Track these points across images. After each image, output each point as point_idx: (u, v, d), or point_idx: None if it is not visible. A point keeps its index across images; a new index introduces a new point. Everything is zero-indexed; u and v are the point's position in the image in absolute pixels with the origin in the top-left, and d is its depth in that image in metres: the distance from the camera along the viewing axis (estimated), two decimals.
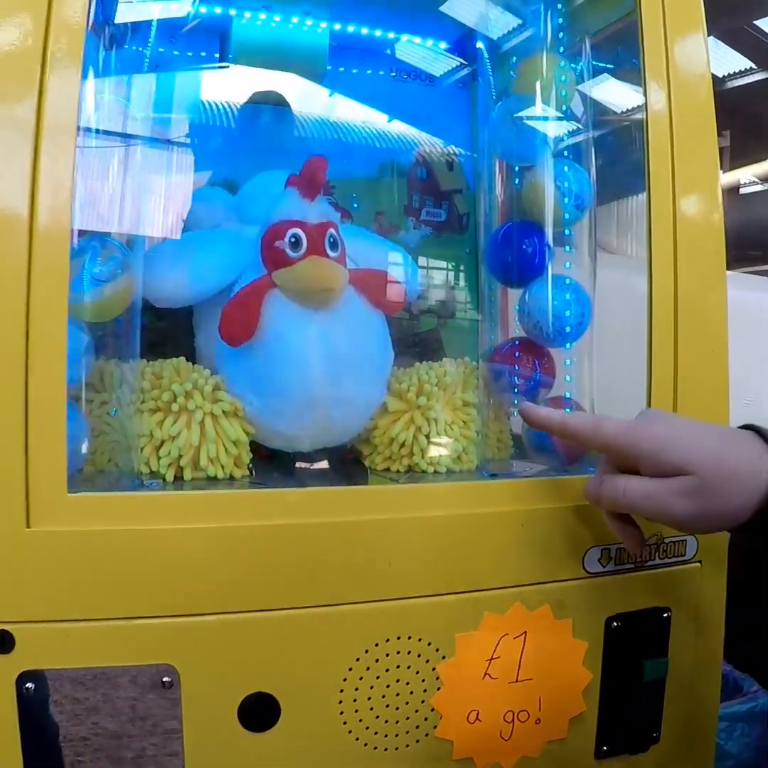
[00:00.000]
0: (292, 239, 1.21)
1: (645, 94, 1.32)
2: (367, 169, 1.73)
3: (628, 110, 1.49)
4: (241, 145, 1.60)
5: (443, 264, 1.74)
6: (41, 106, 1.00)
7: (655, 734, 1.32)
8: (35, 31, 1.01)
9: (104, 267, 1.16)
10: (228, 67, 1.59)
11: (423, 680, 1.16)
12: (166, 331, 1.38)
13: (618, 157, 1.51)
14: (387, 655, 1.14)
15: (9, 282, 0.98)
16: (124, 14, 1.28)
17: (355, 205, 1.64)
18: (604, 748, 1.28)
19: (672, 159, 1.30)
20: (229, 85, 1.63)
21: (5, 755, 1.02)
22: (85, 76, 1.05)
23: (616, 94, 1.54)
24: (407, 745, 1.18)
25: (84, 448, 1.15)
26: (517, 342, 1.43)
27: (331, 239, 1.23)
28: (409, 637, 1.15)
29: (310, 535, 1.10)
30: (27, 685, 1.01)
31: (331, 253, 1.22)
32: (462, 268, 1.75)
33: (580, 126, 1.45)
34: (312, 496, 1.15)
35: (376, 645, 1.13)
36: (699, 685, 1.34)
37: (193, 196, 1.49)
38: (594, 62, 1.47)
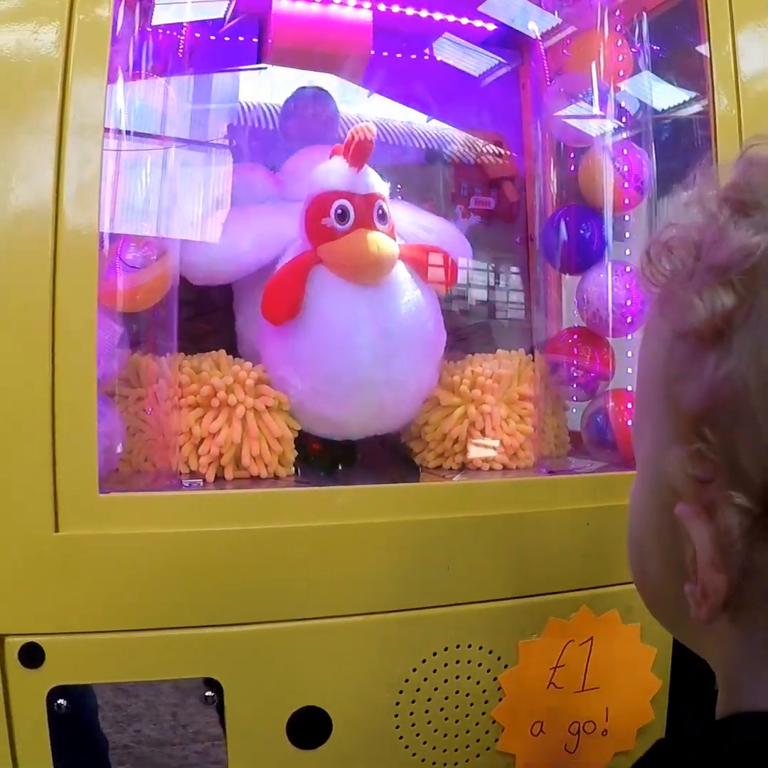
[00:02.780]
0: (339, 211, 1.15)
1: (712, 90, 1.26)
2: (414, 156, 1.67)
3: (687, 102, 1.42)
4: (284, 130, 1.53)
5: (493, 252, 1.67)
6: (65, 108, 0.95)
7: None
8: None
9: (138, 253, 1.10)
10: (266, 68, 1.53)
11: (484, 691, 1.11)
12: (205, 322, 1.32)
13: (675, 147, 1.44)
14: (445, 665, 1.08)
15: (33, 272, 0.93)
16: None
17: (401, 195, 1.58)
18: None
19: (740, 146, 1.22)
20: (272, 75, 1.57)
21: None
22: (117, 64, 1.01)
23: (672, 90, 1.47)
24: (467, 760, 1.12)
25: (119, 448, 1.08)
26: (574, 332, 1.36)
27: (380, 211, 1.17)
28: (469, 646, 1.09)
29: (361, 538, 1.05)
30: (59, 702, 0.96)
31: (379, 226, 1.16)
32: (512, 256, 1.68)
33: (639, 108, 1.37)
34: (361, 494, 1.10)
35: (434, 654, 1.08)
36: None
37: (233, 175, 1.42)
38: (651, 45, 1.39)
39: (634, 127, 1.37)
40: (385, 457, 1.30)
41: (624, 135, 1.36)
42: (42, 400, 0.92)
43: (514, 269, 1.68)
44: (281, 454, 1.16)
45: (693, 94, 1.36)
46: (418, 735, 1.08)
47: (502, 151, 1.69)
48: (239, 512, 1.02)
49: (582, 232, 1.34)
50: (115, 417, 1.07)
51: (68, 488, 0.94)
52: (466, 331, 1.57)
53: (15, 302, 0.92)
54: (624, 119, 1.37)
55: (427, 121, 1.66)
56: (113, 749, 1.01)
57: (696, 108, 1.33)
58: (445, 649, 1.07)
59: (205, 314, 1.32)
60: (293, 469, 1.18)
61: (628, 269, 1.31)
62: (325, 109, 1.49)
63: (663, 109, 1.45)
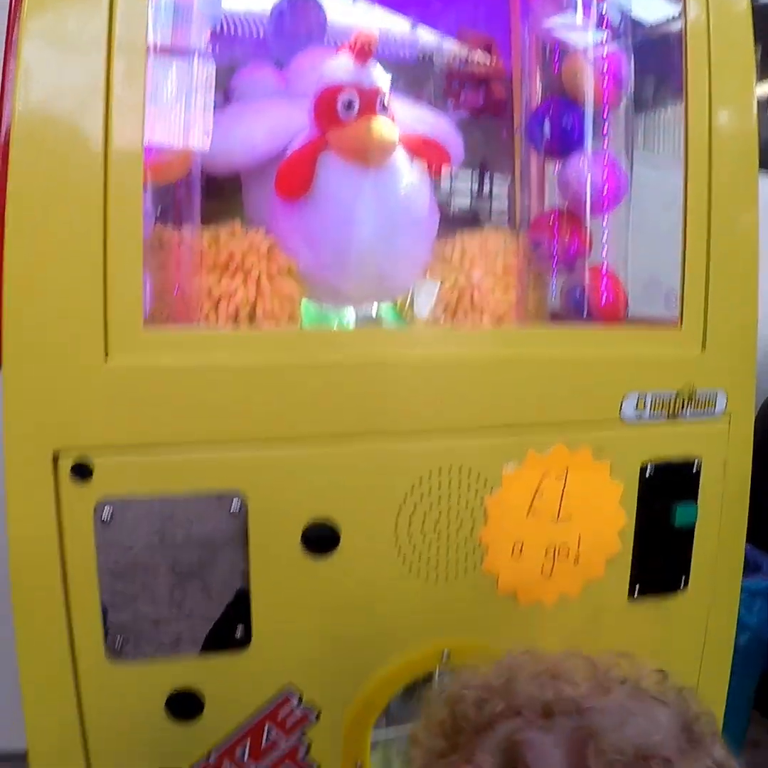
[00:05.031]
0: (345, 101, 1.26)
1: (684, 5, 1.34)
2: (407, 53, 1.77)
3: (663, 20, 1.53)
4: (284, 29, 1.63)
5: (481, 147, 1.77)
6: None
7: (684, 579, 1.40)
8: None
9: (166, 133, 1.21)
10: None
11: (472, 512, 1.24)
12: (219, 200, 1.43)
13: (654, 64, 1.55)
14: (439, 485, 1.22)
15: (88, 144, 1.05)
16: None
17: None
18: (637, 589, 1.36)
19: (709, 69, 1.33)
20: None
21: (83, 580, 1.11)
22: None
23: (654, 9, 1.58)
24: (456, 576, 1.26)
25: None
26: (556, 213, 1.49)
27: (382, 103, 1.28)
28: (460, 469, 1.22)
29: (368, 370, 1.18)
30: (105, 512, 1.09)
31: (382, 115, 1.27)
32: (499, 147, 1.78)
33: (621, 20, 1.48)
34: (369, 333, 1.26)
35: (429, 475, 1.21)
36: (725, 534, 1.42)
37: (241, 72, 1.54)
38: None
39: (616, 38, 1.48)
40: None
41: (604, 40, 1.46)
42: (96, 247, 1.05)
43: (500, 159, 1.77)
44: (291, 312, 1.27)
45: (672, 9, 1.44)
46: (414, 549, 1.22)
47: (492, 50, 1.79)
48: (264, 347, 1.16)
49: (564, 121, 1.46)
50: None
51: (117, 323, 1.07)
52: (456, 212, 1.69)
53: (73, 167, 1.04)
54: (606, 28, 1.47)
55: (418, 25, 1.73)
56: (112, 626, 1.13)
57: (675, 25, 1.40)
58: (439, 471, 1.21)
59: (218, 191, 1.43)
60: (300, 327, 1.30)
61: (605, 156, 1.43)
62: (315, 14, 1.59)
63: (645, 23, 1.55)
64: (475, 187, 1.74)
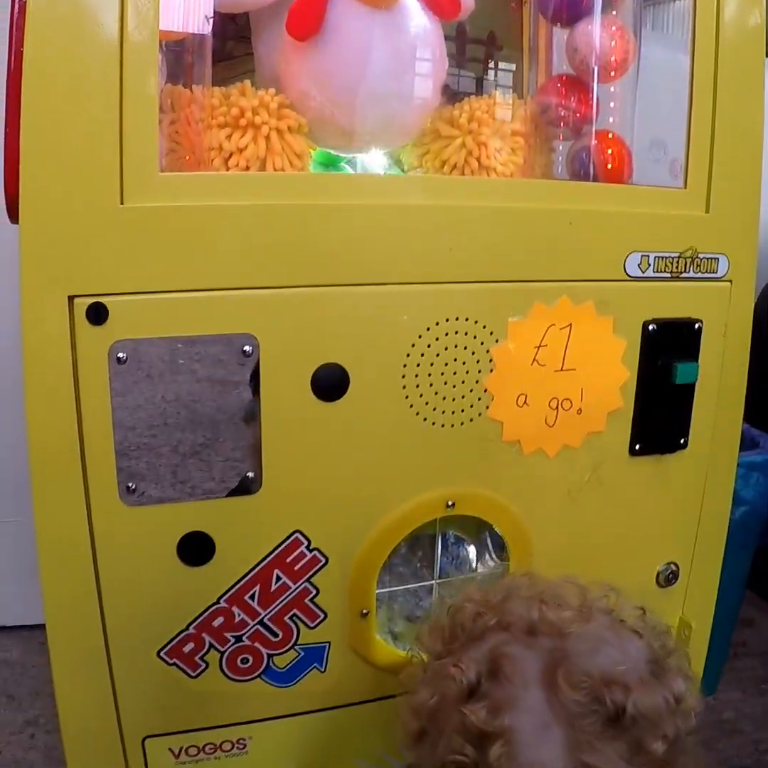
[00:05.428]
0: None
1: None
2: None
3: None
4: None
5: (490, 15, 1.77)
6: None
7: (683, 440, 1.43)
8: None
9: None
10: None
11: (478, 361, 1.27)
12: (230, 63, 1.45)
13: None
14: (446, 334, 1.24)
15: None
16: None
17: None
18: (638, 446, 1.40)
19: None
20: None
21: (98, 423, 1.15)
22: None
23: None
24: (462, 423, 1.29)
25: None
26: (563, 78, 1.50)
27: None
28: (466, 319, 1.25)
29: (377, 216, 1.19)
30: (119, 354, 1.12)
31: None
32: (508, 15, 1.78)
33: None
34: (379, 180, 1.28)
35: (437, 324, 1.24)
36: (725, 397, 1.45)
37: None
38: None
39: None
40: None
41: None
42: (111, 93, 1.07)
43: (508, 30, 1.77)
44: (300, 169, 1.28)
45: None
46: (421, 396, 1.25)
47: None
48: (275, 190, 1.17)
49: None
50: None
51: (132, 168, 1.08)
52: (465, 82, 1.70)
53: (89, 19, 1.05)
54: None
55: None
56: (126, 469, 1.16)
57: None
58: (446, 319, 1.23)
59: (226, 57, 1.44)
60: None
61: (613, 23, 1.43)
62: None
63: None
64: (484, 58, 1.73)
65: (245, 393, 1.16)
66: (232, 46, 1.47)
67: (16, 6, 1.09)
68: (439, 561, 1.42)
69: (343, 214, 1.17)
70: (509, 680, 0.84)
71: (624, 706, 0.80)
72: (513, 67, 1.78)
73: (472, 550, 1.46)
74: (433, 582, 1.43)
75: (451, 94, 1.45)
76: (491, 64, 1.77)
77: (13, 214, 1.10)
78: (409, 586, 1.41)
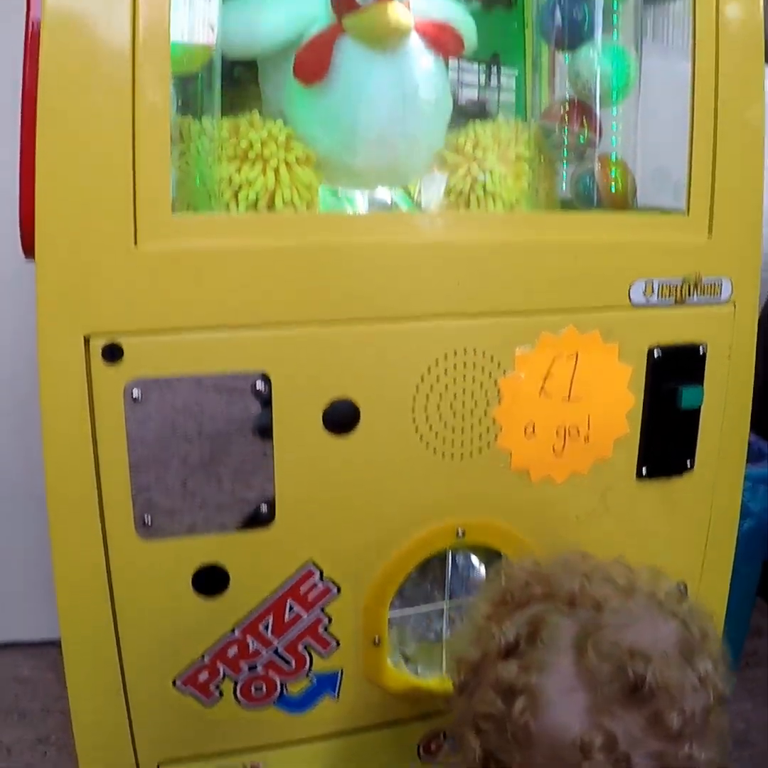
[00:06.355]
0: None
1: None
2: None
3: None
4: None
5: (493, 39, 1.78)
6: None
7: (689, 462, 1.44)
8: None
9: (186, 23, 1.23)
10: None
11: (486, 392, 1.28)
12: (238, 90, 1.46)
13: None
14: (454, 366, 1.26)
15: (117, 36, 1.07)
16: None
17: None
18: (644, 470, 1.41)
19: None
20: None
21: (114, 460, 1.16)
22: None
23: None
24: (471, 454, 1.30)
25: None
26: (566, 102, 1.51)
27: None
28: (475, 351, 1.26)
29: (386, 253, 1.21)
30: (135, 393, 1.13)
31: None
32: (511, 40, 1.79)
33: None
34: (387, 217, 1.29)
35: (445, 357, 1.25)
36: (730, 418, 1.46)
37: None
38: None
39: None
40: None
41: None
42: (125, 137, 1.08)
43: (511, 53, 1.78)
44: (309, 200, 1.30)
45: None
46: (431, 428, 1.26)
47: None
48: (289, 229, 1.20)
49: (575, 13, 1.47)
50: None
51: (146, 210, 1.10)
52: (469, 105, 1.71)
53: (104, 56, 1.07)
54: None
55: None
56: (143, 504, 1.18)
57: None
58: (455, 352, 1.25)
59: (236, 78, 1.45)
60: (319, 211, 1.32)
61: (615, 46, 1.45)
62: None
63: None
64: (487, 78, 1.74)
65: (258, 428, 1.17)
66: (240, 71, 1.48)
67: (28, 41, 1.10)
68: (449, 583, 1.42)
69: (352, 252, 1.19)
70: (544, 644, 0.90)
71: (644, 676, 0.83)
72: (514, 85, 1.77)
73: (482, 571, 1.46)
74: (444, 604, 1.42)
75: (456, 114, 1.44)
76: (494, 85, 1.77)
77: (28, 251, 1.12)
78: (420, 608, 1.41)
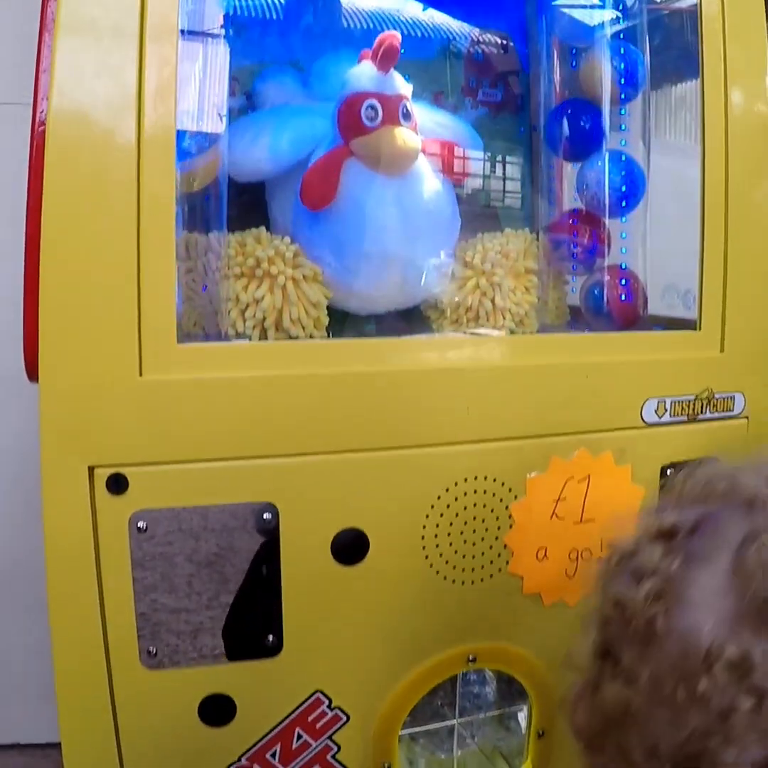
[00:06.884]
0: (369, 110, 1.28)
1: None
2: (425, 51, 1.78)
3: None
4: (302, 28, 1.64)
5: (500, 142, 1.79)
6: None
7: None
8: None
9: (193, 140, 1.24)
10: None
11: (497, 518, 1.26)
12: (245, 206, 1.45)
13: (667, 43, 1.56)
14: (465, 493, 1.24)
15: (122, 159, 1.07)
16: None
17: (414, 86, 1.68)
18: None
19: (724, 45, 1.35)
20: None
21: (118, 589, 1.13)
22: None
23: None
24: (482, 580, 1.28)
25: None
26: (575, 214, 1.50)
27: (405, 110, 1.30)
28: (485, 478, 1.24)
29: (397, 381, 1.20)
30: (140, 523, 1.11)
31: (404, 123, 1.29)
32: (517, 147, 1.79)
33: (634, 9, 1.50)
34: (398, 345, 1.26)
35: (456, 484, 1.23)
36: None
37: (263, 76, 1.55)
38: None
39: (631, 19, 1.49)
40: (405, 326, 1.42)
41: (621, 26, 1.48)
42: (129, 267, 1.07)
43: (519, 158, 1.78)
44: (316, 318, 1.29)
45: None
46: (441, 555, 1.24)
47: (509, 47, 1.80)
48: (295, 358, 1.18)
49: (582, 123, 1.48)
50: None
51: (151, 340, 1.09)
52: (477, 213, 1.70)
53: (108, 184, 1.06)
54: (621, 8, 1.49)
55: (439, 16, 1.75)
56: (147, 635, 1.16)
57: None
58: (465, 479, 1.23)
59: (243, 195, 1.45)
60: (326, 332, 1.31)
61: (623, 157, 1.44)
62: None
63: (654, 6, 1.56)
64: (495, 185, 1.74)
65: (265, 559, 1.15)
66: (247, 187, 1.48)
67: (33, 160, 1.10)
68: (460, 700, 1.39)
69: (359, 381, 1.18)
70: (704, 537, 0.79)
71: None
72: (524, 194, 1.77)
73: (493, 687, 1.43)
74: (455, 721, 1.40)
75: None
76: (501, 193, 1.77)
77: (32, 376, 1.11)
78: (430, 726, 1.39)
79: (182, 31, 1.12)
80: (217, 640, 1.18)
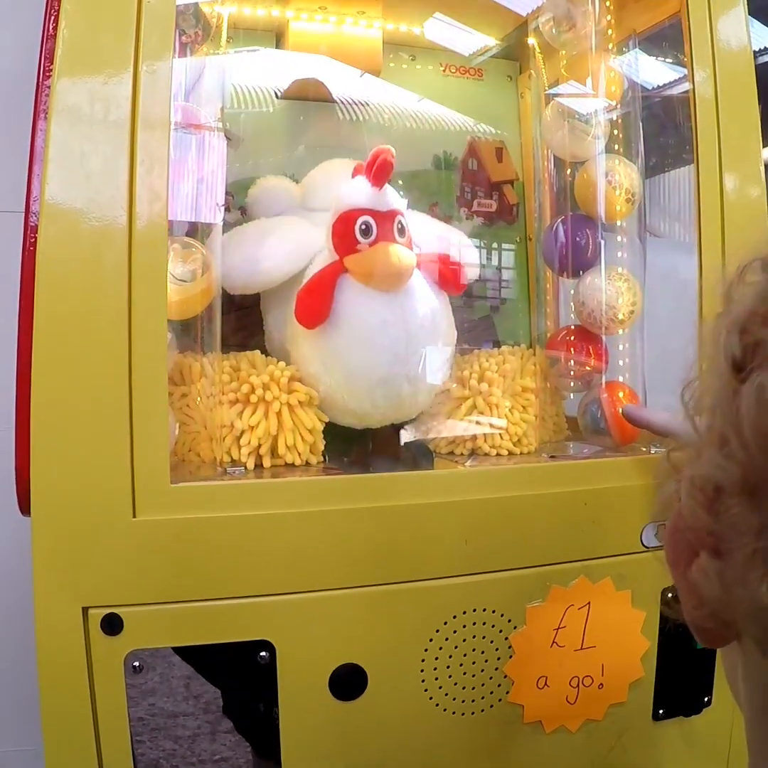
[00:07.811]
0: (363, 226, 1.27)
1: (691, 70, 1.39)
2: (420, 161, 1.80)
3: (671, 83, 1.55)
4: (296, 140, 1.66)
5: (495, 252, 1.79)
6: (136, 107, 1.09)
7: (707, 699, 1.40)
8: None
9: (186, 268, 1.24)
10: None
11: (497, 649, 1.25)
12: (239, 323, 1.46)
13: (661, 132, 1.57)
14: (464, 626, 1.22)
15: (112, 284, 1.08)
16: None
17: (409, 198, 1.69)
18: (661, 711, 1.37)
19: (718, 133, 1.38)
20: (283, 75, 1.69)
21: (115, 731, 1.12)
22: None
23: (660, 74, 1.60)
24: (482, 710, 1.26)
25: (171, 441, 1.21)
26: (571, 330, 1.51)
27: (399, 226, 1.29)
28: (484, 609, 1.23)
29: (394, 517, 1.19)
30: (135, 663, 1.10)
31: (399, 239, 1.28)
32: (513, 255, 1.80)
33: (630, 116, 1.51)
34: (393, 480, 1.25)
35: (454, 617, 1.22)
36: None
37: (257, 186, 1.57)
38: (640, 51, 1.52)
39: (625, 139, 1.50)
40: (401, 443, 1.42)
41: (616, 148, 1.48)
42: (121, 409, 1.08)
43: (515, 268, 1.79)
44: (312, 443, 1.29)
45: (680, 72, 1.47)
46: (440, 688, 1.23)
47: (503, 155, 1.81)
48: (290, 497, 1.17)
49: (578, 239, 1.48)
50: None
51: (144, 481, 1.08)
52: (472, 324, 1.71)
53: (96, 320, 1.08)
54: (615, 131, 1.49)
55: (433, 126, 1.76)
56: (129, 722, 1.13)
57: (683, 86, 1.43)
58: (464, 612, 1.22)
59: (235, 314, 1.45)
60: (322, 456, 1.31)
61: (620, 270, 1.45)
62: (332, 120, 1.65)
63: (652, 88, 1.59)
64: (492, 294, 1.75)
65: (262, 696, 1.14)
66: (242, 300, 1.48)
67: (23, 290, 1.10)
68: None
69: (355, 517, 1.17)
70: None
71: None
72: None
73: None
74: None
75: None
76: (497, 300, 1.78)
77: (25, 510, 1.10)
78: None
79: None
80: None
